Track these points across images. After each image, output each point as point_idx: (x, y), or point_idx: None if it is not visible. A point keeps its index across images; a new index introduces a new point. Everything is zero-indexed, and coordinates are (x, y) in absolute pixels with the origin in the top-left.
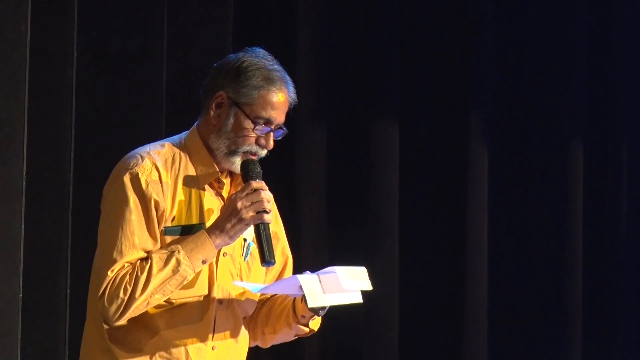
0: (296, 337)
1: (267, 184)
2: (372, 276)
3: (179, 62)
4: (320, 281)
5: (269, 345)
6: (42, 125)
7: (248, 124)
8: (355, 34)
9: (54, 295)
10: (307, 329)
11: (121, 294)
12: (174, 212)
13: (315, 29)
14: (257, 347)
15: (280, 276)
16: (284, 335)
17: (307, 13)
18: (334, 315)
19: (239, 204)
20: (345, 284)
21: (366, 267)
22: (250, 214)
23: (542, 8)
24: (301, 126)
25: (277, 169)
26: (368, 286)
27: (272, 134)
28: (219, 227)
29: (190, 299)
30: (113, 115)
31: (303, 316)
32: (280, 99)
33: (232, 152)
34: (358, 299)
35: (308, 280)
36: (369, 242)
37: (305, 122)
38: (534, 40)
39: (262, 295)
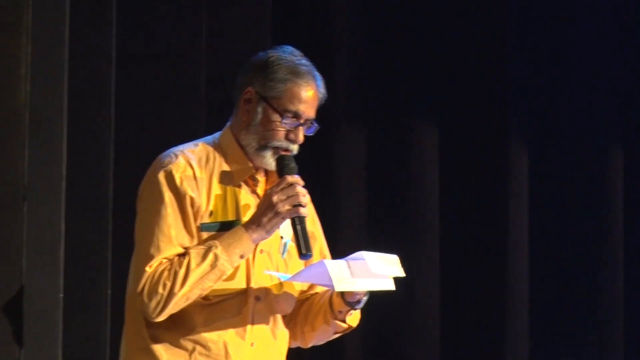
0: (336, 335)
1: (306, 183)
2: (414, 273)
3: (218, 61)
4: (349, 266)
5: (309, 345)
6: (81, 124)
7: (276, 118)
8: (395, 34)
9: (95, 295)
10: (345, 325)
11: (160, 289)
12: (211, 207)
13: (355, 29)
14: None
15: None
16: (323, 333)
17: (347, 14)
18: (374, 310)
19: (275, 198)
20: (374, 269)
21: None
22: (286, 207)
23: (582, 10)
24: (341, 126)
25: (317, 169)
26: (400, 272)
27: (301, 128)
28: (255, 221)
29: (228, 295)
30: (153, 115)
31: (340, 311)
32: (307, 92)
33: (262, 147)
34: (390, 285)
35: (335, 265)
36: (409, 242)
37: (345, 122)
38: (574, 43)
39: (301, 294)
